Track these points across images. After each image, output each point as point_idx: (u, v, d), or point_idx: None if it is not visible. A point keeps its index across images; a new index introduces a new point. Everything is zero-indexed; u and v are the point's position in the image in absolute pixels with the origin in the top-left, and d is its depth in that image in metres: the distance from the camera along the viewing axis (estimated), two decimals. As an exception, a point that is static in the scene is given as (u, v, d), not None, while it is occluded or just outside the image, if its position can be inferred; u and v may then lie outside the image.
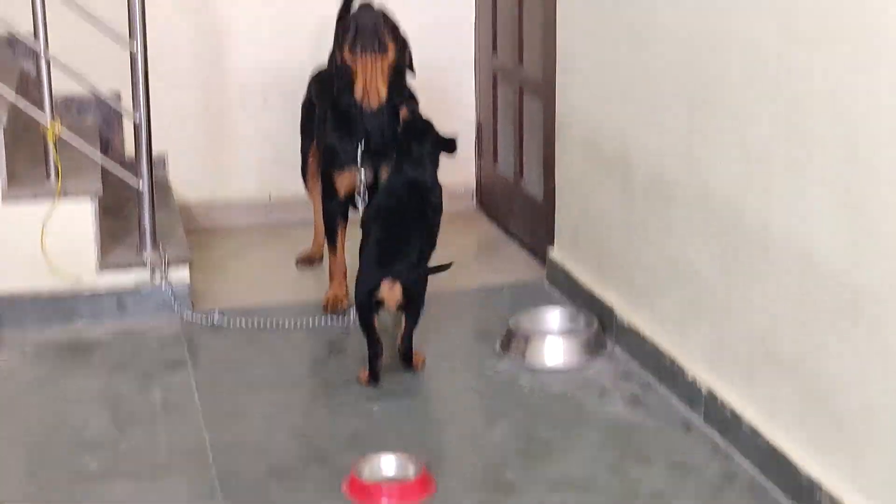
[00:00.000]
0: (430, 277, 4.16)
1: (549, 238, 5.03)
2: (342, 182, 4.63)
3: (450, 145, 4.42)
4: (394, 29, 4.60)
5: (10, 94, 4.66)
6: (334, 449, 3.71)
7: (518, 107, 5.52)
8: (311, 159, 5.16)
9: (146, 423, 3.89)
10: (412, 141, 4.36)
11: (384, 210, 4.27)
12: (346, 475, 3.48)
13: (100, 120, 5.59)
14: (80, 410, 3.97)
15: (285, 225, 5.78)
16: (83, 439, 3.79)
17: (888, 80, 2.89)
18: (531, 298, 4.84)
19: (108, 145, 5.60)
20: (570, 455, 3.66)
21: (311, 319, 4.60)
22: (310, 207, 5.33)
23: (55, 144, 4.59)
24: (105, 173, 4.85)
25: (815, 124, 3.18)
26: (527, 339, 4.30)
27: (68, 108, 5.51)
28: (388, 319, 4.35)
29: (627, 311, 4.34)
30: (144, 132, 4.69)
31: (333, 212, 4.72)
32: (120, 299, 4.66)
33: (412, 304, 4.10)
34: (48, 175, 4.63)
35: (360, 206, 4.58)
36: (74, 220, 4.60)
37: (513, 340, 4.34)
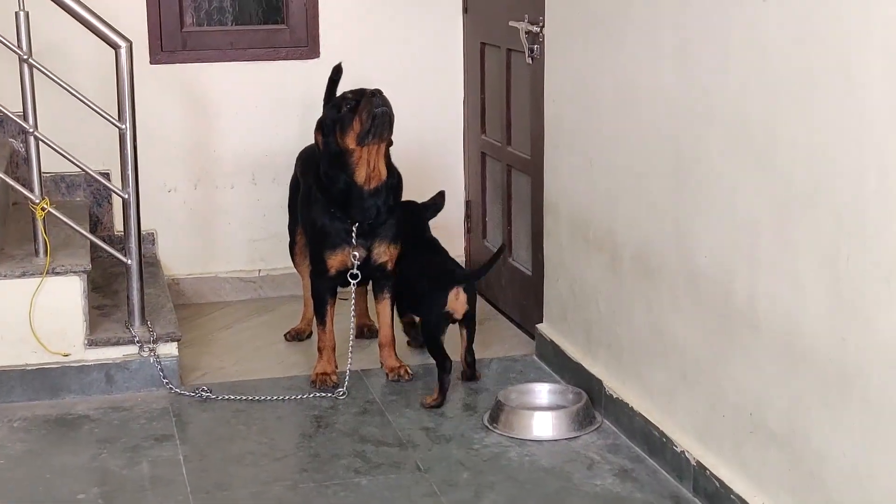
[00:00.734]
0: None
1: (538, 312, 5.05)
2: (334, 261, 4.67)
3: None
4: None
5: None
6: (322, 522, 3.71)
7: (506, 184, 5.55)
8: (298, 236, 5.18)
9: (134, 498, 3.87)
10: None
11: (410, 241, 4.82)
12: (334, 548, 3.46)
13: (89, 197, 5.63)
14: (69, 484, 3.96)
15: (274, 300, 5.80)
16: (70, 513, 3.78)
17: (874, 150, 2.92)
18: (520, 372, 4.87)
19: (98, 222, 5.64)
20: (558, 527, 3.66)
21: (299, 394, 4.61)
22: (299, 282, 5.35)
23: (44, 222, 4.62)
24: (94, 249, 4.88)
25: (802, 196, 3.20)
26: (515, 413, 4.30)
27: (58, 186, 5.56)
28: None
29: (616, 385, 4.35)
30: (133, 209, 4.71)
31: (323, 289, 4.75)
32: (108, 374, 4.66)
33: (472, 312, 4.67)
34: (37, 252, 4.66)
35: (353, 284, 4.65)
36: (63, 296, 4.61)
37: (501, 414, 4.34)
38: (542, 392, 4.53)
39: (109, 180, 5.22)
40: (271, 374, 4.85)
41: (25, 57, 4.59)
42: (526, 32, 4.95)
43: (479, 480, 3.96)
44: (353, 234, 4.61)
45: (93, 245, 4.84)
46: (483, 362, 4.96)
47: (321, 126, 4.72)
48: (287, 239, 5.34)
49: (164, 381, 4.65)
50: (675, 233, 3.88)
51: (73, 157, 4.71)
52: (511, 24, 5.09)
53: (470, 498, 3.86)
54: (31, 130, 4.63)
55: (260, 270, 5.87)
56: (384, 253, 4.71)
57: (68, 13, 4.60)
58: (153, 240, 5.75)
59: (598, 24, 4.34)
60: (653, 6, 3.95)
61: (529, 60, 4.98)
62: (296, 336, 5.27)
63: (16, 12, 4.57)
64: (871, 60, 2.90)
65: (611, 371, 4.41)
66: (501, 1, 5.38)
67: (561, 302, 4.82)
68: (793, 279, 3.26)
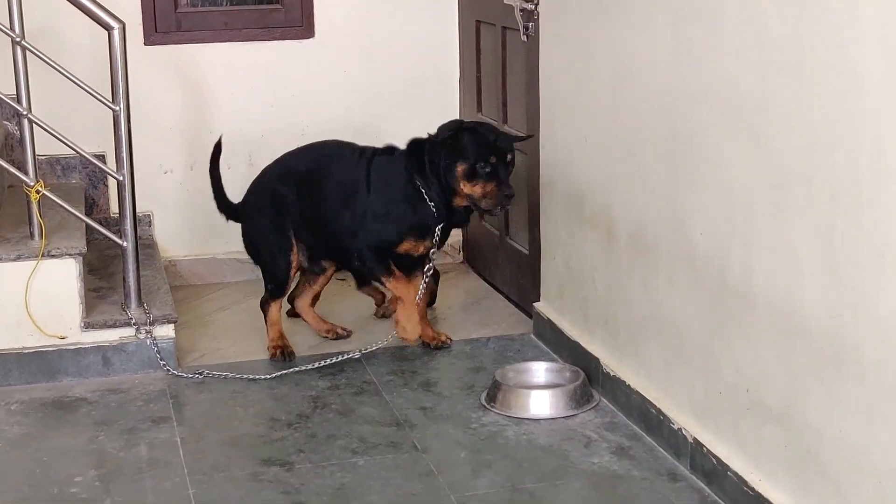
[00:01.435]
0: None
1: (535, 291, 5.04)
2: (407, 245, 4.77)
3: None
4: None
5: (-5, 155, 4.69)
6: (319, 502, 3.70)
7: (503, 162, 5.53)
8: (294, 271, 5.02)
9: (131, 480, 3.87)
10: None
11: None
12: (331, 528, 3.47)
13: (85, 179, 5.62)
14: (66, 467, 3.96)
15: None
16: (68, 496, 3.78)
17: (869, 129, 2.91)
18: (518, 351, 4.86)
19: (94, 204, 5.63)
20: (556, 506, 3.66)
21: (295, 368, 4.62)
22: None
23: (38, 204, 4.61)
24: (90, 231, 4.88)
25: (796, 173, 3.19)
26: (513, 392, 4.30)
27: (53, 168, 5.55)
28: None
29: (613, 363, 4.34)
30: (128, 191, 4.70)
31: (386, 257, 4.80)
32: (105, 356, 4.66)
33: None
34: (32, 235, 4.65)
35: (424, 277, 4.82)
36: (59, 279, 4.61)
37: (499, 393, 4.34)
38: (540, 371, 4.52)
39: (105, 162, 5.21)
40: (268, 355, 4.86)
41: (18, 39, 4.58)
42: (521, 10, 4.93)
43: (476, 459, 3.96)
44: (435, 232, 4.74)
45: (89, 227, 4.84)
46: (481, 341, 4.97)
47: (451, 149, 4.66)
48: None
49: (161, 363, 4.64)
50: (670, 210, 3.87)
51: (68, 140, 4.70)
52: (506, 1, 5.07)
53: (467, 477, 3.86)
54: (24, 113, 4.62)
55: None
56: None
57: (61, -5, 4.59)
58: (149, 221, 5.74)
59: (592, 1, 4.33)
60: (647, -18, 3.94)
61: (524, 38, 4.96)
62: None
63: (8, -6, 4.57)
64: (865, 37, 2.88)
65: (608, 349, 4.41)
66: (496, -21, 5.37)
67: (558, 280, 4.81)
68: (788, 256, 3.26)
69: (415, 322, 4.75)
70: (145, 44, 5.63)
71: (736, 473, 3.56)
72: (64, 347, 4.63)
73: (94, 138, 5.34)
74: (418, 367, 4.69)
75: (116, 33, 4.58)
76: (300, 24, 5.82)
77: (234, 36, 5.76)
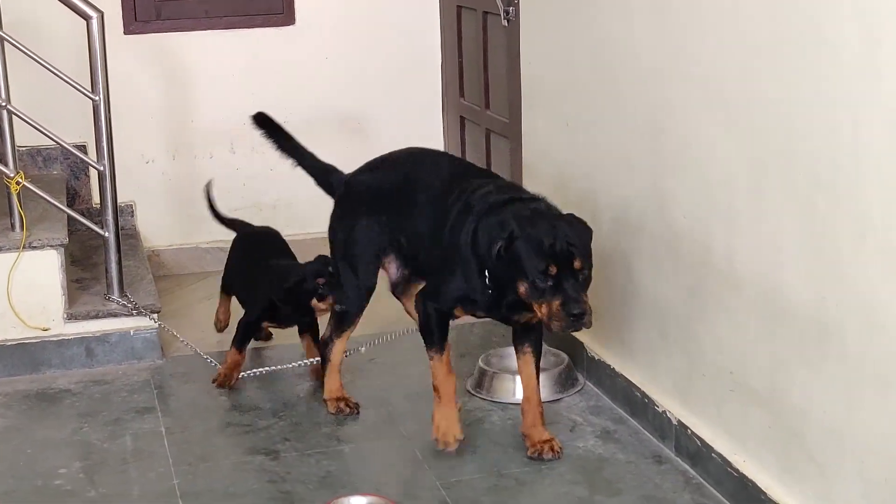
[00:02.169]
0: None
1: (519, 276, 5.03)
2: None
3: None
4: None
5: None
6: (305, 491, 3.70)
7: (486, 149, 5.53)
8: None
9: (116, 471, 3.86)
10: None
11: None
12: (316, 516, 3.47)
13: (66, 170, 5.60)
14: (50, 459, 3.95)
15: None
16: (53, 487, 3.77)
17: (847, 109, 2.90)
18: (502, 336, 4.84)
19: (76, 195, 5.61)
20: (540, 490, 3.65)
21: (280, 365, 4.60)
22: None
23: (19, 196, 4.59)
24: (72, 222, 4.86)
25: (777, 154, 3.19)
26: (498, 377, 4.30)
27: (34, 160, 5.54)
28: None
29: (597, 347, 4.34)
30: (109, 181, 4.69)
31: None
32: (88, 347, 4.65)
33: None
34: (13, 227, 4.64)
35: None
36: (41, 270, 4.59)
37: (484, 379, 4.33)
38: (524, 355, 4.51)
39: (85, 153, 5.20)
40: (252, 345, 4.83)
41: (-4, 30, 4.56)
42: (501, -6, 4.92)
43: (462, 445, 3.95)
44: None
45: (70, 218, 4.82)
46: (465, 327, 4.95)
47: (506, 265, 3.65)
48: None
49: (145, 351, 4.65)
50: (653, 193, 3.87)
51: (48, 131, 4.68)
52: (486, -14, 5.07)
53: (453, 463, 3.85)
54: (4, 104, 4.61)
55: (241, 240, 5.85)
56: (527, 314, 3.82)
57: (38, -16, 4.58)
58: (132, 211, 5.72)
59: (572, -16, 4.32)
60: (626, -35, 3.93)
61: (505, 23, 4.95)
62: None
63: (-15, -15, 4.55)
64: (844, 18, 2.88)
65: (592, 333, 4.38)
66: (476, -37, 5.36)
67: (542, 265, 4.80)
68: (770, 237, 3.25)
69: (453, 420, 3.89)
70: (125, 33, 5.61)
71: (720, 455, 3.56)
72: (47, 339, 4.62)
73: (74, 129, 5.32)
74: (403, 354, 4.68)
75: (95, 22, 4.56)
76: (280, 11, 5.80)
77: (215, 24, 5.74)
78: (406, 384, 4.41)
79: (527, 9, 4.72)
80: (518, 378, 4.26)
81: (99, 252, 5.09)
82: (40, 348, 4.61)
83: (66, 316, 4.62)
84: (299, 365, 4.51)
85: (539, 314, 3.62)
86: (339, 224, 4.20)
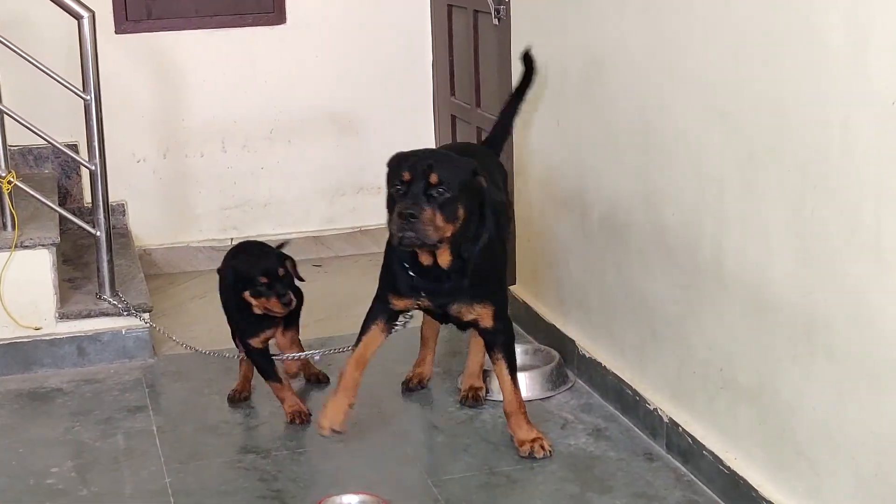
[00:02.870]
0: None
1: (511, 274, 5.04)
2: (399, 303, 3.89)
3: None
4: None
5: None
6: (297, 489, 3.70)
7: (477, 146, 5.53)
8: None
9: (108, 469, 3.87)
10: None
11: None
12: (308, 514, 3.47)
13: (58, 169, 5.60)
14: (42, 458, 3.95)
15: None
16: (45, 486, 3.78)
17: (838, 106, 2.92)
18: (493, 335, 4.86)
19: (67, 194, 5.61)
20: (532, 488, 3.66)
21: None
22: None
23: (10, 195, 4.59)
24: (63, 221, 4.86)
25: (766, 151, 3.20)
26: (489, 375, 4.30)
27: (25, 159, 5.54)
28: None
29: (588, 344, 4.35)
30: (100, 181, 4.69)
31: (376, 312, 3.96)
32: (80, 346, 4.65)
33: None
34: (4, 226, 4.64)
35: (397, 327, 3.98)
36: (32, 269, 4.59)
37: (475, 377, 4.34)
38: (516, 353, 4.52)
39: (77, 152, 5.19)
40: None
41: (-13, 29, 4.56)
42: (492, -7, 4.93)
43: (453, 443, 3.97)
44: (422, 294, 3.82)
45: (62, 217, 4.82)
46: (457, 326, 4.97)
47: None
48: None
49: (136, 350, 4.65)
50: (642, 191, 3.88)
51: (39, 130, 4.68)
52: (477, -15, 5.08)
53: (445, 461, 3.86)
54: (-5, 103, 4.61)
55: (232, 239, 5.84)
56: (467, 312, 3.83)
57: (29, -16, 4.58)
58: (123, 210, 5.72)
59: (562, -17, 4.33)
60: (616, -36, 3.94)
61: (496, 21, 4.96)
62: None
63: (-24, -15, 4.55)
64: (833, 15, 2.89)
65: (583, 330, 4.41)
66: (467, -38, 5.36)
67: (533, 263, 4.81)
68: (759, 234, 3.27)
69: (339, 411, 3.83)
70: (116, 32, 5.61)
71: (711, 452, 3.57)
72: (39, 338, 4.62)
73: (66, 128, 5.32)
74: (395, 353, 4.68)
75: (86, 22, 4.56)
76: (271, 10, 5.80)
77: (206, 23, 5.75)
78: (397, 382, 4.41)
79: (517, 8, 4.73)
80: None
81: (90, 251, 5.09)
82: (32, 347, 4.61)
83: (57, 315, 4.63)
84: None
85: (391, 228, 3.58)
86: None
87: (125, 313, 4.67)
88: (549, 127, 4.52)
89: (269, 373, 4.17)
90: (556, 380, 4.32)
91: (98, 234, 4.69)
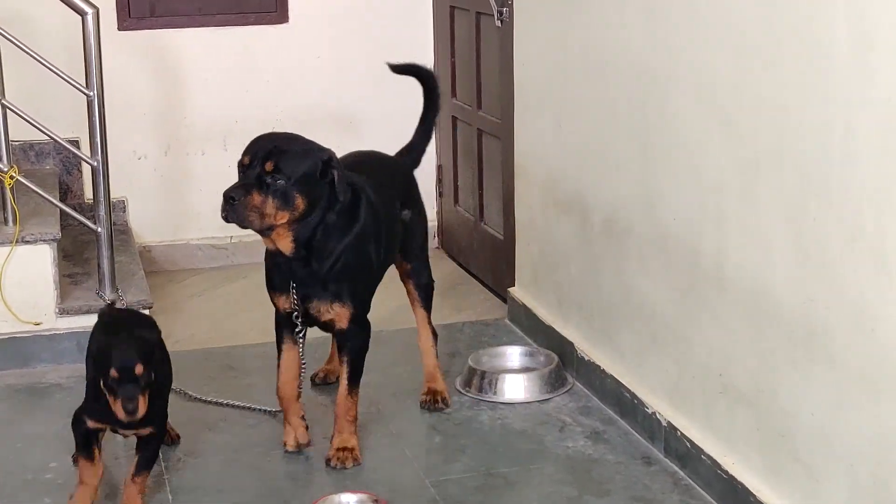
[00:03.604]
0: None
1: (510, 276, 5.06)
2: (279, 301, 3.92)
3: None
4: None
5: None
6: (295, 488, 3.71)
7: (477, 149, 5.55)
8: None
9: (106, 466, 3.86)
10: None
11: None
12: (306, 513, 3.48)
13: (59, 165, 5.61)
14: (40, 453, 3.96)
15: (246, 266, 5.78)
16: (43, 481, 3.79)
17: (839, 110, 2.92)
18: (492, 336, 4.88)
19: (68, 190, 5.62)
20: (529, 490, 3.67)
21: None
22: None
23: (12, 190, 4.60)
24: (64, 217, 4.87)
25: (767, 156, 3.21)
26: (487, 377, 4.31)
27: (27, 154, 5.55)
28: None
29: (587, 347, 4.36)
30: (102, 177, 4.69)
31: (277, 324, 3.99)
32: (80, 342, 4.61)
33: None
34: (6, 221, 4.64)
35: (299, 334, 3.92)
36: (33, 265, 4.60)
37: (473, 378, 4.35)
38: (514, 355, 4.54)
39: (79, 148, 5.19)
40: (243, 341, 4.85)
41: (-9, 25, 4.57)
42: (495, -5, 4.94)
43: (451, 444, 3.98)
44: (293, 288, 3.81)
45: (63, 213, 4.83)
46: (456, 326, 4.98)
47: None
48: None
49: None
50: (643, 194, 3.89)
51: (42, 125, 4.68)
52: (480, -13, 5.08)
53: (442, 461, 3.87)
54: (-3, 98, 4.61)
55: (232, 237, 5.86)
56: (326, 311, 3.82)
57: (33, -20, 4.58)
58: (124, 207, 5.73)
59: (566, -14, 4.34)
60: (620, -32, 3.94)
61: (499, 23, 4.97)
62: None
63: (-20, -21, 4.56)
64: (836, 18, 2.90)
65: (582, 333, 4.42)
66: (470, -36, 5.37)
67: (532, 265, 4.82)
68: (760, 239, 3.27)
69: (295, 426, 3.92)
70: (119, 29, 5.62)
71: (709, 457, 3.58)
72: (38, 333, 4.62)
73: (67, 124, 5.33)
74: (395, 353, 4.69)
75: (90, 18, 4.56)
76: (273, 10, 5.82)
77: (208, 21, 5.76)
78: (395, 383, 4.42)
79: (520, 10, 4.74)
80: (507, 377, 4.30)
81: (91, 247, 5.10)
82: (31, 342, 4.62)
83: (57, 311, 4.63)
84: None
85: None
86: None
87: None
88: (550, 129, 4.53)
89: (81, 447, 3.55)
90: (555, 382, 4.33)
91: (99, 230, 4.69)
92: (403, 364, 4.55)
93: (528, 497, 3.63)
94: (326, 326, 3.88)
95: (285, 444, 3.94)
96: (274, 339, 3.97)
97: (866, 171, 2.85)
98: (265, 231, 3.66)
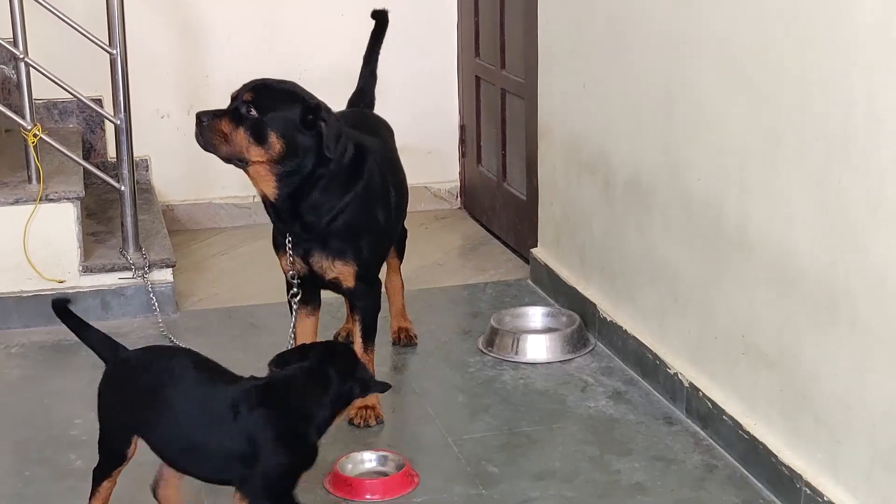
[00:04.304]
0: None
1: (533, 237, 5.06)
2: (282, 263, 3.94)
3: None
4: None
5: (-8, 99, 4.70)
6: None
7: (501, 108, 5.54)
8: None
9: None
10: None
11: None
12: (328, 471, 3.50)
13: (82, 124, 5.62)
14: (66, 409, 3.99)
15: (268, 226, 5.75)
16: (69, 437, 3.82)
17: (863, 77, 2.91)
18: (514, 296, 4.88)
19: (91, 148, 5.63)
20: (551, 449, 3.69)
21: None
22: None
23: (36, 149, 4.61)
24: (88, 176, 4.89)
25: (791, 121, 3.20)
26: (510, 336, 4.32)
27: (50, 113, 5.56)
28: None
29: (609, 308, 4.36)
30: (125, 135, 4.71)
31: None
32: (104, 300, 4.68)
33: None
34: (30, 179, 4.66)
35: (294, 301, 3.90)
36: (57, 223, 4.62)
37: (496, 338, 4.36)
38: (536, 315, 4.55)
39: (102, 106, 5.20)
40: (266, 300, 4.86)
41: (15, -18, 4.57)
42: (519, -45, 4.92)
43: (473, 403, 3.99)
44: (289, 243, 3.80)
45: (86, 172, 4.84)
46: (478, 287, 4.99)
47: None
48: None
49: (154, 308, 4.67)
50: (666, 156, 3.88)
51: (65, 84, 4.70)
52: (504, -54, 5.06)
53: (465, 420, 3.89)
54: (21, 56, 4.61)
55: (254, 196, 5.85)
56: (328, 268, 3.79)
57: (58, -62, 4.58)
58: (147, 166, 5.74)
59: (590, -54, 4.32)
60: (645, -72, 3.93)
61: (522, -17, 4.95)
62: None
63: (5, -63, 4.55)
64: (863, -18, 2.89)
65: (604, 294, 4.42)
66: (494, -77, 5.35)
67: (555, 226, 4.82)
68: (783, 203, 3.27)
69: None
70: (142, -13, 5.62)
71: (731, 417, 3.58)
72: (62, 291, 4.65)
73: (91, 82, 5.32)
74: (417, 313, 4.70)
75: (113, -24, 4.57)
76: (297, -32, 5.80)
77: (232, -22, 5.75)
78: (418, 343, 4.43)
79: (545, -31, 4.73)
80: (530, 338, 4.31)
81: (114, 206, 5.12)
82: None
83: (81, 268, 4.66)
84: None
85: None
86: None
87: (149, 268, 4.69)
88: (575, 90, 4.52)
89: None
90: (577, 343, 4.34)
91: (122, 188, 4.71)
92: (427, 323, 4.56)
93: (551, 456, 3.65)
94: (336, 287, 3.86)
95: None
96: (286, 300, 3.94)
97: (889, 136, 2.84)
98: (234, 162, 3.63)
